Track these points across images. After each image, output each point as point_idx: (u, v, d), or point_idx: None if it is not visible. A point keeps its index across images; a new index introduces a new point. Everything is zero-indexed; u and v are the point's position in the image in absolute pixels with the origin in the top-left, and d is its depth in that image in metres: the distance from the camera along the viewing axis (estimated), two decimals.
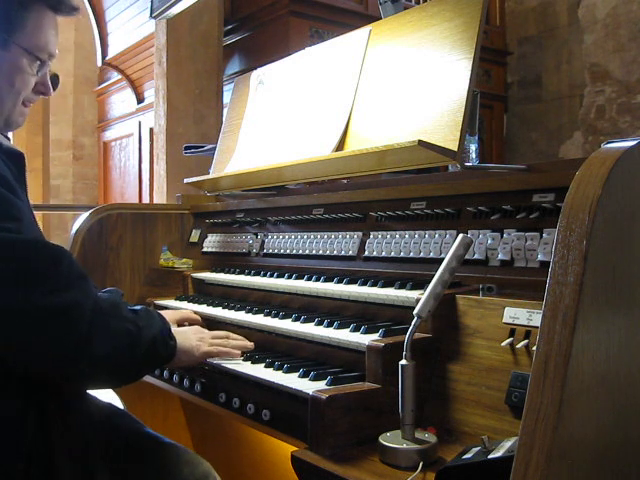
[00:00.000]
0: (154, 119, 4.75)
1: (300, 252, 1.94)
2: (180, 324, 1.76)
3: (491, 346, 1.18)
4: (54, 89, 1.46)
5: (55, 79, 1.46)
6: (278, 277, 1.87)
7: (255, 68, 2.41)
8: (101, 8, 5.69)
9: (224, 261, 2.27)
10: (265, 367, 1.48)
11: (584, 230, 0.84)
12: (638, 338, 0.93)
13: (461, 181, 1.57)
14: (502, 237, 1.40)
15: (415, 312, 1.14)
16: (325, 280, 1.70)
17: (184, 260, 2.41)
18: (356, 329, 1.42)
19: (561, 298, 0.84)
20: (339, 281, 1.65)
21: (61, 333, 1.13)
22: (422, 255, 1.57)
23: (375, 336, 1.33)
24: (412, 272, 1.58)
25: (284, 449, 1.43)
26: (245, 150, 2.26)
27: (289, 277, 1.83)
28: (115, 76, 5.99)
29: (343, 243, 1.80)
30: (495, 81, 6.04)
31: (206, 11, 4.63)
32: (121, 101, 6.03)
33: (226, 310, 1.86)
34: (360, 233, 1.77)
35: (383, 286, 1.51)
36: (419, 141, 1.44)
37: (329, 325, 1.48)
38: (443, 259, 1.20)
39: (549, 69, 5.83)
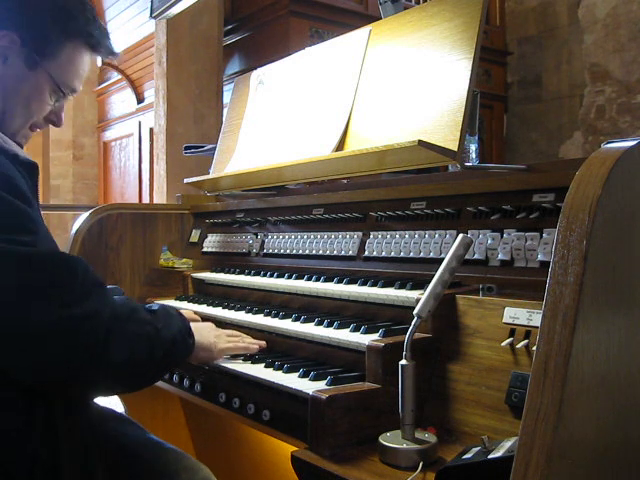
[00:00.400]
0: (154, 119, 4.75)
1: (300, 252, 1.94)
2: None
3: (491, 346, 1.18)
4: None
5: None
6: (278, 277, 1.87)
7: (255, 68, 2.41)
8: (101, 8, 5.69)
9: (224, 261, 2.27)
10: (265, 367, 1.48)
11: (584, 230, 0.84)
12: (638, 338, 0.93)
13: (461, 181, 1.57)
14: (502, 237, 1.40)
15: (415, 312, 1.14)
16: (325, 280, 1.70)
17: (184, 260, 2.41)
18: (356, 329, 1.42)
19: (561, 298, 0.84)
20: (339, 281, 1.65)
21: (79, 343, 1.11)
22: (422, 255, 1.57)
23: (375, 336, 1.33)
24: (412, 272, 1.58)
25: (284, 449, 1.43)
26: (245, 150, 2.26)
27: (289, 277, 1.83)
28: (115, 76, 6.00)
29: (343, 243, 1.80)
30: (495, 81, 6.04)
31: (206, 11, 4.63)
32: (121, 101, 6.03)
33: (226, 310, 1.86)
34: (360, 233, 1.77)
35: (383, 286, 1.51)
36: (419, 141, 1.44)
37: (329, 325, 1.48)
38: (443, 259, 1.20)
39: (549, 69, 5.83)
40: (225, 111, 2.70)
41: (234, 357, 1.58)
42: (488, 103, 5.78)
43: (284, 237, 2.01)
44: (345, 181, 2.21)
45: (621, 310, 0.91)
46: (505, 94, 6.13)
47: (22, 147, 1.36)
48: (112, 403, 1.82)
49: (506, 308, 1.19)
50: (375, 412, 1.18)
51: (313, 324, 1.53)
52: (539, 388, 0.82)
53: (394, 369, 1.12)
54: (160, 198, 4.60)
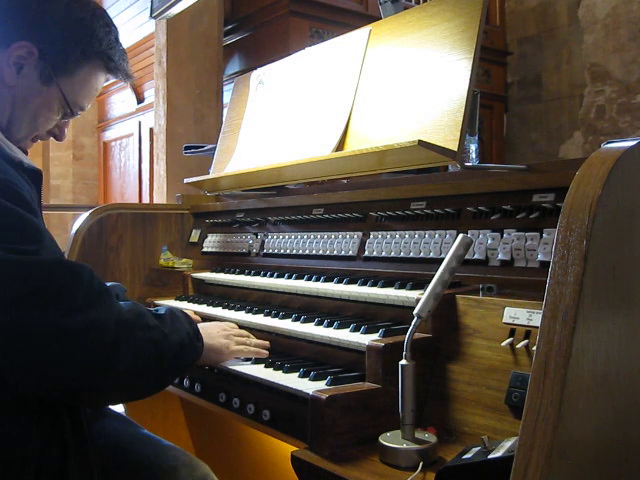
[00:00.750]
0: (154, 119, 4.75)
1: (300, 252, 1.94)
2: None
3: (491, 346, 1.18)
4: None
5: None
6: (278, 277, 1.87)
7: (255, 68, 2.41)
8: None
9: (224, 261, 2.27)
10: (265, 367, 1.48)
11: (584, 230, 0.84)
12: (638, 338, 0.93)
13: (461, 181, 1.57)
14: (502, 237, 1.40)
15: (415, 312, 1.14)
16: (325, 280, 1.70)
17: (184, 260, 2.41)
18: (356, 329, 1.42)
19: (561, 298, 0.84)
20: (339, 281, 1.65)
21: (84, 352, 1.10)
22: (422, 255, 1.57)
23: (375, 336, 1.33)
24: (412, 272, 1.58)
25: (284, 449, 1.43)
26: (245, 150, 2.26)
27: (289, 277, 1.83)
28: None
29: (343, 243, 1.80)
30: (495, 81, 6.04)
31: (206, 11, 4.63)
32: (121, 101, 6.03)
33: (226, 310, 1.86)
34: (360, 233, 1.77)
35: (383, 286, 1.51)
36: (419, 141, 1.44)
37: (329, 325, 1.48)
38: (443, 259, 1.20)
39: (549, 69, 5.83)
40: (225, 111, 2.70)
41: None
42: (488, 103, 5.78)
43: (284, 237, 2.01)
44: (345, 181, 2.21)
45: (621, 310, 0.91)
46: (505, 94, 6.13)
47: (26, 153, 1.36)
48: None
49: (506, 308, 1.19)
50: (375, 412, 1.18)
51: (313, 324, 1.53)
52: (539, 388, 0.82)
53: (394, 369, 1.12)
54: (160, 198, 4.60)
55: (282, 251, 2.01)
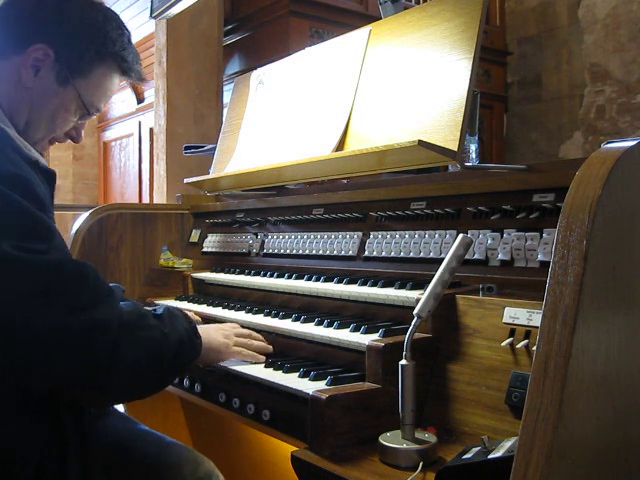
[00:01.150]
0: (154, 119, 4.75)
1: (300, 252, 1.94)
2: None
3: (491, 346, 1.18)
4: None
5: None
6: (278, 277, 1.87)
7: (255, 68, 2.41)
8: None
9: (224, 261, 2.27)
10: (265, 367, 1.48)
11: (584, 230, 0.84)
12: (638, 338, 0.93)
13: (461, 181, 1.57)
14: (502, 237, 1.40)
15: (415, 312, 1.14)
16: (325, 280, 1.70)
17: (184, 260, 2.41)
18: (356, 329, 1.42)
19: (561, 298, 0.84)
20: (339, 281, 1.65)
21: (87, 351, 1.11)
22: (422, 255, 1.57)
23: (375, 336, 1.33)
24: (412, 272, 1.58)
25: (284, 449, 1.43)
26: (245, 150, 2.26)
27: (289, 277, 1.83)
28: None
29: (343, 243, 1.80)
30: (495, 81, 6.04)
31: (206, 11, 4.62)
32: (121, 101, 6.03)
33: (226, 310, 1.86)
34: (360, 233, 1.77)
35: (383, 286, 1.51)
36: (419, 141, 1.44)
37: (329, 325, 1.48)
38: (443, 259, 1.20)
39: (549, 69, 5.83)
40: (225, 111, 2.70)
41: None
42: (488, 103, 5.78)
43: (284, 237, 2.01)
44: (345, 181, 2.21)
45: (621, 310, 0.91)
46: (505, 94, 6.12)
47: (42, 156, 1.36)
48: None
49: (506, 308, 1.19)
50: (375, 412, 1.18)
51: (313, 324, 1.53)
52: (539, 388, 0.82)
53: (394, 369, 1.12)
54: (160, 198, 4.60)
55: (282, 251, 2.01)
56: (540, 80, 5.90)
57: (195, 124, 4.62)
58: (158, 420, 2.41)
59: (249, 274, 2.01)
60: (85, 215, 2.39)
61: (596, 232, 0.84)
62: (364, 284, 1.57)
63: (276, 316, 1.66)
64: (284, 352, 1.59)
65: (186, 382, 1.69)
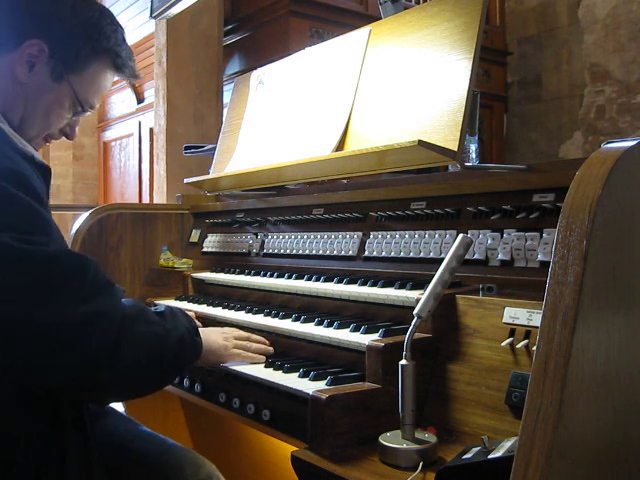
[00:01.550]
0: (154, 119, 4.75)
1: (300, 252, 1.94)
2: None
3: (491, 346, 1.18)
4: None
5: None
6: (278, 277, 1.87)
7: (255, 68, 2.41)
8: None
9: (224, 261, 2.27)
10: (265, 367, 1.48)
11: (584, 230, 0.84)
12: (638, 338, 0.93)
13: (461, 181, 1.57)
14: (502, 237, 1.40)
15: (415, 312, 1.14)
16: (325, 280, 1.70)
17: (184, 260, 2.41)
18: (356, 329, 1.42)
19: (561, 298, 0.84)
20: (339, 281, 1.65)
21: (87, 344, 1.10)
22: (422, 255, 1.57)
23: (375, 336, 1.33)
24: (412, 272, 1.58)
25: (284, 449, 1.43)
26: (245, 150, 2.26)
27: (289, 277, 1.83)
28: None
29: (343, 243, 1.80)
30: (495, 81, 6.04)
31: (206, 11, 4.62)
32: (121, 101, 6.03)
33: (226, 310, 1.86)
34: (360, 233, 1.77)
35: (383, 286, 1.51)
36: (419, 141, 1.44)
37: (329, 325, 1.48)
38: (443, 259, 1.20)
39: (549, 69, 5.83)
40: (225, 111, 2.70)
41: None
42: (488, 103, 5.78)
43: (284, 237, 2.01)
44: (345, 181, 2.21)
45: (621, 310, 0.91)
46: (505, 94, 6.13)
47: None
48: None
49: (506, 308, 1.19)
50: (375, 412, 1.18)
51: (313, 324, 1.53)
52: (539, 388, 0.82)
53: (394, 369, 1.12)
54: (160, 198, 4.60)
55: (282, 251, 2.01)
56: (540, 80, 5.90)
57: (195, 124, 4.62)
58: (158, 420, 2.41)
59: (249, 274, 2.01)
60: (85, 215, 2.39)
61: (596, 232, 0.84)
62: (364, 284, 1.57)
63: (276, 316, 1.66)
64: (284, 352, 1.59)
65: (186, 382, 1.69)
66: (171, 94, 4.55)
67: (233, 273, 2.09)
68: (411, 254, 1.59)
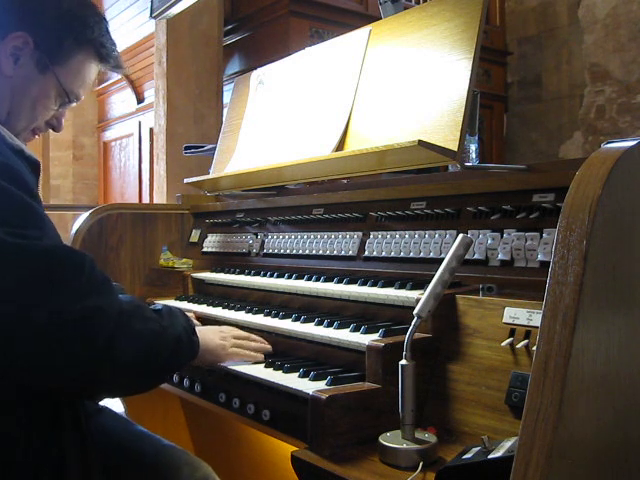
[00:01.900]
0: (154, 119, 4.75)
1: (300, 252, 1.94)
2: None
3: (491, 346, 1.18)
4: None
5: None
6: (278, 277, 1.87)
7: (255, 68, 2.41)
8: (101, 8, 5.70)
9: (224, 261, 2.27)
10: (265, 367, 1.48)
11: (584, 230, 0.84)
12: (638, 338, 0.93)
13: (461, 181, 1.57)
14: (502, 237, 1.40)
15: (415, 312, 1.14)
16: (325, 280, 1.70)
17: (184, 260, 2.41)
18: (356, 329, 1.42)
19: (561, 298, 0.84)
20: (339, 281, 1.65)
21: (84, 339, 1.10)
22: (422, 255, 1.57)
23: (375, 336, 1.33)
24: (412, 272, 1.58)
25: (284, 449, 1.43)
26: (245, 150, 2.26)
27: (289, 277, 1.83)
28: (115, 76, 5.99)
29: (343, 243, 1.80)
30: (495, 81, 6.04)
31: (206, 11, 4.63)
32: (121, 101, 6.03)
33: (226, 310, 1.86)
34: (360, 233, 1.77)
35: (383, 286, 1.51)
36: (419, 141, 1.44)
37: (329, 325, 1.48)
38: (443, 259, 1.20)
39: (549, 69, 5.83)
40: (225, 111, 2.70)
41: None
42: (488, 103, 5.78)
43: (284, 237, 2.01)
44: (345, 181, 2.21)
45: (621, 310, 0.91)
46: (505, 94, 6.13)
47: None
48: (111, 402, 1.82)
49: (506, 308, 1.19)
50: (375, 412, 1.18)
51: (313, 324, 1.53)
52: (539, 388, 0.82)
53: (394, 369, 1.12)
54: (160, 198, 4.60)
55: (282, 251, 2.01)
56: (540, 80, 5.90)
57: (195, 124, 4.62)
58: (158, 420, 2.41)
59: (249, 274, 2.01)
60: (85, 215, 2.39)
61: (596, 232, 0.84)
62: (364, 284, 1.57)
63: (276, 316, 1.66)
64: (284, 352, 1.59)
65: (186, 382, 1.69)
66: (171, 94, 4.55)
67: (233, 273, 2.09)
68: (411, 254, 1.59)
